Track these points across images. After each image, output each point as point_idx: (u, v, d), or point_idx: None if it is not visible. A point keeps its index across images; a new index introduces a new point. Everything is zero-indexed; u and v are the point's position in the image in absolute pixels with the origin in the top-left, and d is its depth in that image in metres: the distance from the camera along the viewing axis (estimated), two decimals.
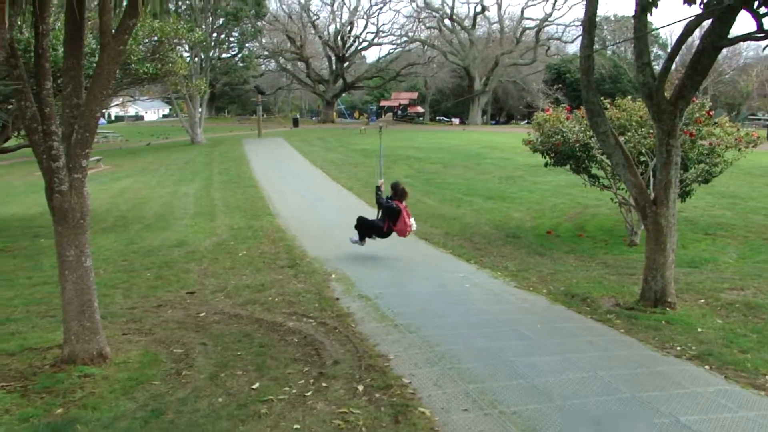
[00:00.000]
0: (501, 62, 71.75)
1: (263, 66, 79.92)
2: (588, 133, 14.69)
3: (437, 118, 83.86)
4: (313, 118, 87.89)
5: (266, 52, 75.08)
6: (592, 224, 17.66)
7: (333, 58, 77.61)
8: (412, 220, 13.05)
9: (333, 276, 11.68)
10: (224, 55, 60.37)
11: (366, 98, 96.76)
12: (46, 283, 11.56)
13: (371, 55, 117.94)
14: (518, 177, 26.34)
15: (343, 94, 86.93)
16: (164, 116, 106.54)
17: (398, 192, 12.96)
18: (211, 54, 53.26)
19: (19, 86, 6.66)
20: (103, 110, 7.46)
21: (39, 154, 6.89)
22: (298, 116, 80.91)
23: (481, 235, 16.18)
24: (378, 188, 13.13)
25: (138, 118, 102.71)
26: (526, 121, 71.78)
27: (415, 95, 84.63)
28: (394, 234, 13.03)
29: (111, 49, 6.85)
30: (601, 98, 10.37)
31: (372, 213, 14.70)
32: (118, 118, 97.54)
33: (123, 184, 27.97)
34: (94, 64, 9.40)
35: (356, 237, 13.40)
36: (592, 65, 9.98)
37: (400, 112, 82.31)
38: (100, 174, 31.13)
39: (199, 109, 50.56)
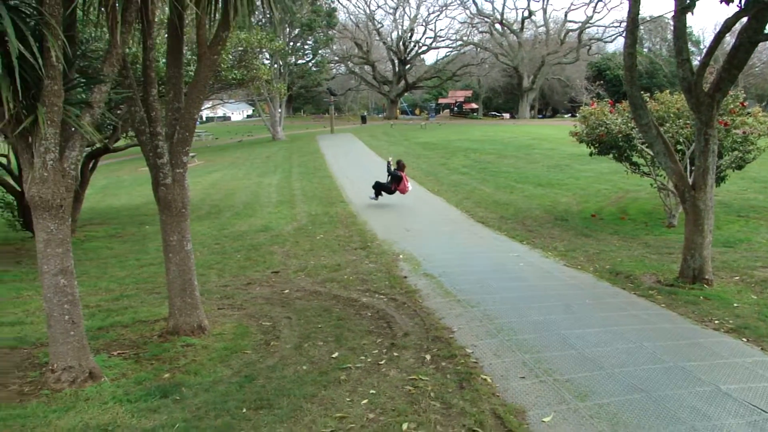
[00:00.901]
0: (547, 61, 70.43)
1: (334, 70, 80.00)
2: (630, 124, 14.38)
3: (490, 113, 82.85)
4: (379, 116, 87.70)
5: (337, 58, 75.20)
6: (633, 208, 17.22)
7: (396, 61, 77.39)
8: (409, 184, 18.19)
9: (401, 256, 11.68)
10: (300, 61, 60.48)
11: (425, 96, 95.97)
12: (151, 264, 11.88)
13: (430, 58, 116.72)
14: (565, 165, 25.84)
15: (405, 94, 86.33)
16: (248, 116, 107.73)
17: (400, 165, 18.09)
18: (288, 60, 53.62)
19: (130, 93, 6.83)
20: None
21: (146, 152, 7.05)
22: (365, 114, 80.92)
23: (532, 218, 15.94)
24: (388, 162, 18.44)
25: (225, 118, 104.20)
26: (570, 115, 70.36)
27: (469, 93, 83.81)
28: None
29: (207, 58, 6.95)
30: (641, 92, 10.07)
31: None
32: (209, 119, 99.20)
33: (214, 176, 28.48)
34: (191, 73, 9.57)
35: (373, 195, 18.15)
36: (635, 62, 9.72)
37: (456, 108, 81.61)
38: (194, 168, 31.75)
39: (279, 110, 51.02)
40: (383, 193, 18.07)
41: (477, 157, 30.13)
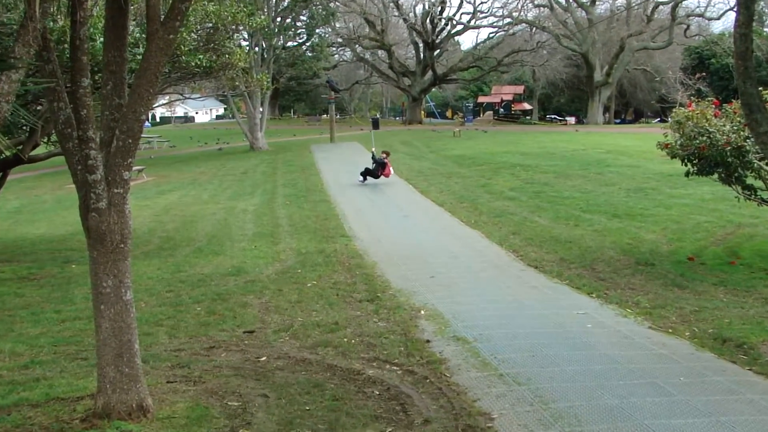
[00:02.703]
0: (627, 46, 70.61)
1: (336, 56, 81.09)
2: (742, 133, 14.29)
3: (548, 116, 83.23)
4: (397, 119, 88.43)
5: (340, 40, 76.13)
6: (747, 248, 17.07)
7: (420, 45, 78.06)
8: (390, 168, 28.93)
9: (422, 312, 11.65)
10: (290, 44, 61.28)
11: (460, 93, 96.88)
12: (77, 318, 11.85)
13: (467, 41, 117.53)
14: (651, 189, 25.80)
15: (433, 89, 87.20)
16: (218, 117, 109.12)
17: (386, 153, 29.57)
18: (274, 42, 54.20)
19: (53, 84, 6.83)
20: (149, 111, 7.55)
21: (73, 164, 7.03)
22: (378, 116, 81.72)
23: (605, 261, 15.87)
24: (373, 153, 29.67)
25: (188, 119, 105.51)
26: (658, 120, 70.53)
27: (520, 89, 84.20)
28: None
29: (159, 38, 6.95)
30: (760, 89, 9.96)
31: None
32: (164, 120, 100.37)
33: (169, 198, 28.68)
34: (139, 57, 9.63)
35: (361, 179, 28.69)
36: (751, 47, 9.65)
37: (501, 109, 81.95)
38: (142, 187, 31.99)
39: (260, 109, 51.34)
40: (369, 177, 28.58)
41: (529, 176, 30.22)
